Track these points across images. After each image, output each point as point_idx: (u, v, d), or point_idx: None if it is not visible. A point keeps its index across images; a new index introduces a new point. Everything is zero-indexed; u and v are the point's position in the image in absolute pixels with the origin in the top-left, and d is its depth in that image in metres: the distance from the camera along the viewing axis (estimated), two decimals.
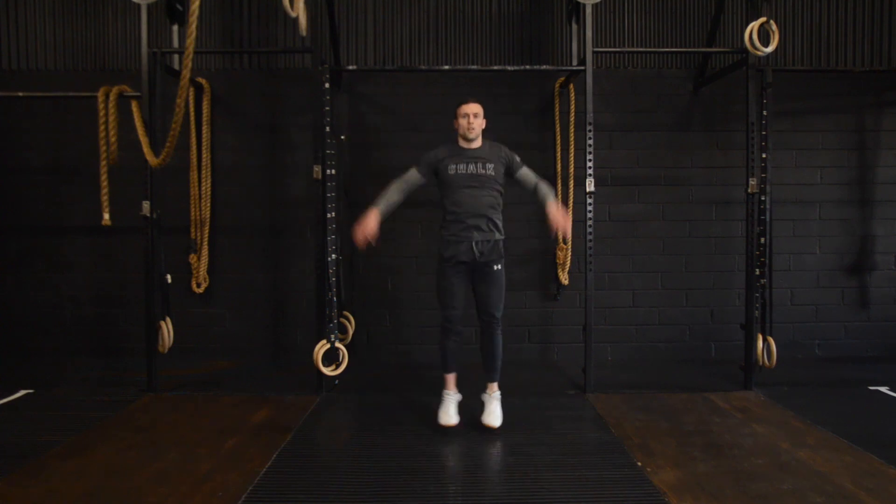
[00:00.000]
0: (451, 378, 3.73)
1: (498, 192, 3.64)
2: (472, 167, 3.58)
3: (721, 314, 5.38)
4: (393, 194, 3.70)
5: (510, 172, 3.70)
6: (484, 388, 3.73)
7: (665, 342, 5.40)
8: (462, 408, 4.00)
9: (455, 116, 3.67)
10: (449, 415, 3.61)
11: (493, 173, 3.60)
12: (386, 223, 5.23)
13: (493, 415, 3.60)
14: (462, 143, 3.66)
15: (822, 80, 5.32)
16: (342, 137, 5.09)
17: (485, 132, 3.76)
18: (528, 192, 3.77)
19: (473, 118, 3.60)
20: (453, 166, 3.59)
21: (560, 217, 3.55)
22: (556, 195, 5.19)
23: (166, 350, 4.53)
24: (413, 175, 3.71)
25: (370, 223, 3.56)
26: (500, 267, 3.62)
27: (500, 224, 3.63)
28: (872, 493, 2.77)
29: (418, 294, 5.30)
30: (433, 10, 5.33)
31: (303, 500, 2.76)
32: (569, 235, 3.66)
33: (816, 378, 4.75)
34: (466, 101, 3.63)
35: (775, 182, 5.00)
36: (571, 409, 4.03)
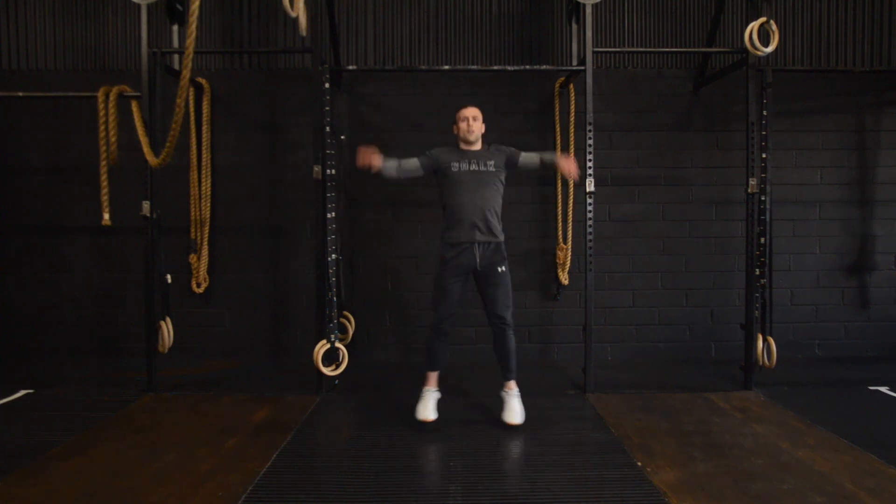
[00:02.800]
0: (433, 376, 3.76)
1: (499, 191, 3.67)
2: (474, 165, 3.63)
3: (721, 314, 5.38)
4: (392, 165, 3.75)
5: (512, 164, 3.74)
6: (501, 387, 3.75)
7: (665, 342, 5.40)
8: (463, 408, 4.01)
9: (455, 121, 3.73)
10: (428, 409, 3.64)
11: (493, 169, 3.65)
12: (386, 223, 5.31)
13: (514, 412, 3.63)
14: (462, 146, 3.71)
15: (822, 80, 5.32)
16: (342, 137, 5.09)
17: (484, 135, 3.78)
18: (536, 170, 3.80)
19: (473, 121, 3.65)
20: (456, 164, 3.64)
21: (568, 163, 3.69)
22: (556, 195, 5.23)
23: (166, 350, 4.53)
24: (413, 162, 3.75)
25: (375, 157, 3.66)
26: (503, 269, 3.64)
27: (499, 225, 3.66)
28: (872, 493, 2.77)
29: (418, 294, 5.30)
30: (433, 10, 5.33)
31: (303, 500, 2.76)
32: (575, 175, 3.72)
33: (816, 378, 4.74)
34: (465, 106, 3.71)
35: (775, 182, 5.00)
36: (571, 409, 4.03)
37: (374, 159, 3.65)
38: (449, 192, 3.65)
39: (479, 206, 3.57)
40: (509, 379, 3.73)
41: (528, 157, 3.78)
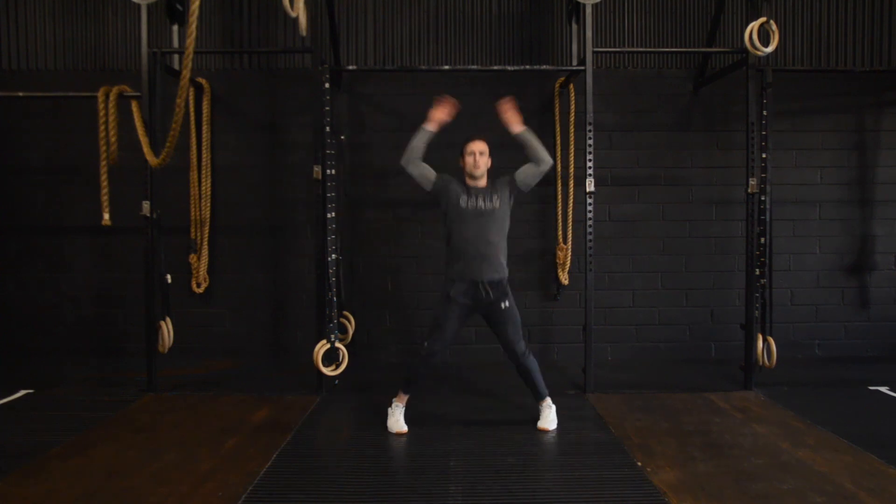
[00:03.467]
0: (405, 396, 3.72)
1: (505, 227, 3.62)
2: (480, 203, 3.56)
3: (721, 314, 5.38)
4: (419, 151, 3.64)
5: (517, 188, 3.65)
6: (538, 404, 3.76)
7: (665, 342, 5.40)
8: (463, 408, 4.01)
9: (461, 154, 3.62)
10: (400, 423, 3.63)
11: (499, 206, 3.58)
12: (386, 222, 5.30)
13: (547, 420, 3.66)
14: (469, 182, 3.62)
15: (822, 80, 5.32)
16: (342, 137, 5.09)
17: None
18: (535, 164, 3.63)
19: (479, 156, 3.56)
20: (465, 198, 3.57)
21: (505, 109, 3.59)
22: (556, 195, 5.23)
23: (166, 350, 4.53)
24: (430, 173, 3.64)
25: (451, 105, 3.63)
26: (507, 304, 3.60)
27: (504, 260, 3.62)
28: (872, 493, 2.77)
29: (418, 294, 5.30)
30: (433, 10, 5.33)
31: (303, 500, 2.76)
32: (511, 124, 3.60)
33: (816, 378, 4.75)
34: (472, 139, 3.59)
35: (775, 182, 5.00)
36: (571, 409, 4.02)
37: (448, 109, 3.60)
38: (455, 226, 3.58)
39: (485, 246, 3.52)
40: (542, 398, 3.72)
41: (524, 172, 3.66)
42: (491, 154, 3.65)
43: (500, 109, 3.63)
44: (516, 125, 3.61)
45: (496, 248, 3.56)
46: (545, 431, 3.61)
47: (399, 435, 3.57)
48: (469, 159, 3.58)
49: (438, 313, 3.63)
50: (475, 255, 3.52)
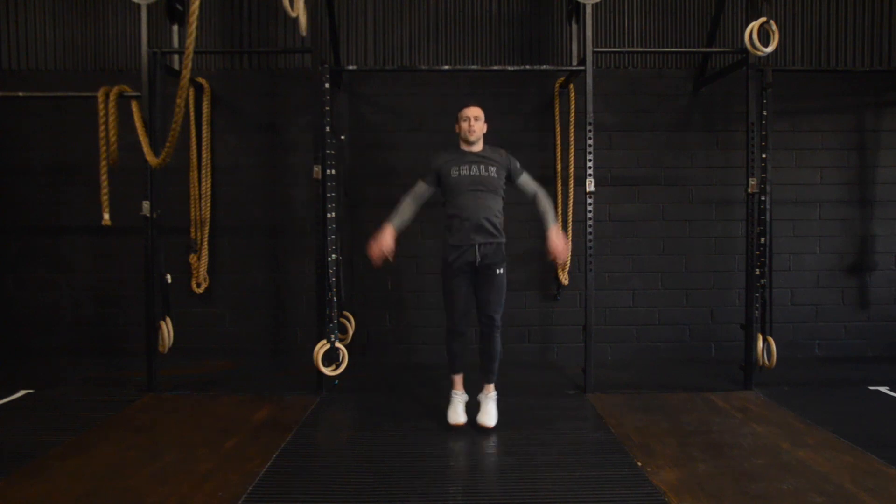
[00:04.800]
0: (457, 379, 3.77)
1: (500, 195, 3.66)
2: (474, 170, 3.59)
3: (721, 314, 5.38)
4: (405, 210, 3.72)
5: (510, 178, 3.71)
6: (480, 388, 3.75)
7: (665, 342, 5.40)
8: (464, 406, 4.01)
9: (456, 120, 3.69)
10: (458, 413, 3.66)
11: (495, 175, 3.61)
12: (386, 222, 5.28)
13: (489, 415, 3.63)
14: (463, 147, 3.68)
15: (822, 80, 5.32)
16: (342, 137, 5.09)
17: (486, 135, 3.77)
18: (527, 200, 3.76)
19: (474, 121, 3.61)
20: (456, 169, 3.60)
21: (560, 245, 3.58)
22: (556, 195, 5.23)
23: (166, 350, 4.53)
24: (421, 187, 3.72)
25: (386, 239, 3.57)
26: (501, 271, 3.63)
27: (501, 227, 3.64)
28: (872, 493, 2.77)
29: (419, 294, 5.30)
30: (433, 10, 5.33)
31: (303, 500, 2.76)
32: (564, 261, 3.68)
33: (816, 378, 4.74)
34: (467, 105, 3.66)
35: (775, 182, 5.00)
36: (571, 409, 4.03)
37: (386, 241, 3.57)
38: (450, 197, 3.63)
39: (481, 211, 3.54)
40: (490, 381, 3.72)
41: (526, 184, 3.71)
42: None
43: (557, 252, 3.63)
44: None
45: (491, 212, 3.57)
46: (486, 428, 3.57)
47: (456, 426, 3.59)
48: (464, 125, 3.62)
49: (444, 287, 3.68)
50: (471, 220, 3.54)
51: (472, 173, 3.58)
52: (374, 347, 5.36)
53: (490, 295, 3.62)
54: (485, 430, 3.58)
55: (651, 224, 5.37)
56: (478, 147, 3.67)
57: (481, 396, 3.72)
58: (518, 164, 3.73)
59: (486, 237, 3.57)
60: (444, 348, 3.80)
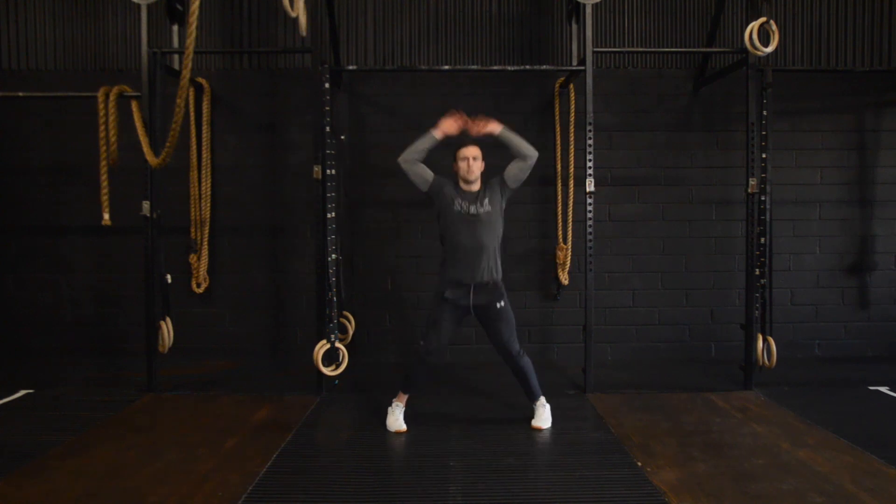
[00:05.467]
0: (404, 396, 3.73)
1: (498, 230, 3.60)
2: (473, 209, 3.55)
3: (721, 314, 5.38)
4: (419, 152, 3.59)
5: (509, 189, 3.64)
6: (532, 409, 3.76)
7: (665, 342, 5.40)
8: (463, 408, 4.01)
9: (454, 160, 3.61)
10: (399, 422, 3.65)
11: (491, 209, 3.56)
12: (386, 222, 5.30)
13: (542, 418, 3.69)
14: (462, 186, 3.61)
15: (822, 80, 5.32)
16: (342, 137, 5.09)
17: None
18: (520, 158, 3.60)
19: (473, 161, 3.55)
20: (457, 203, 3.55)
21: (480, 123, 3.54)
22: (556, 195, 5.23)
23: (166, 350, 4.53)
24: (428, 173, 3.61)
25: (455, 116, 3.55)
26: (502, 304, 3.61)
27: (499, 263, 3.61)
28: (872, 493, 2.77)
29: (419, 294, 5.30)
30: (433, 10, 5.33)
31: (303, 500, 2.76)
32: (490, 129, 3.54)
33: (816, 378, 4.74)
34: (466, 145, 3.57)
35: (775, 182, 5.00)
36: (571, 409, 4.03)
37: (459, 124, 3.51)
38: (449, 230, 3.58)
39: (478, 250, 3.51)
40: (535, 399, 3.74)
41: (511, 169, 3.61)
42: (487, 154, 3.64)
43: (474, 130, 3.56)
44: (494, 127, 3.56)
45: (489, 251, 3.54)
46: (539, 430, 3.63)
47: (398, 434, 3.58)
48: (462, 164, 3.55)
49: (433, 314, 3.64)
50: (469, 259, 3.51)
51: (472, 212, 3.54)
52: (375, 347, 5.36)
53: (500, 327, 3.60)
54: (537, 430, 3.63)
55: (651, 224, 5.37)
56: (476, 186, 3.61)
57: (535, 406, 3.74)
58: (500, 176, 3.63)
59: (484, 275, 3.53)
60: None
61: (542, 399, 3.74)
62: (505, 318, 3.61)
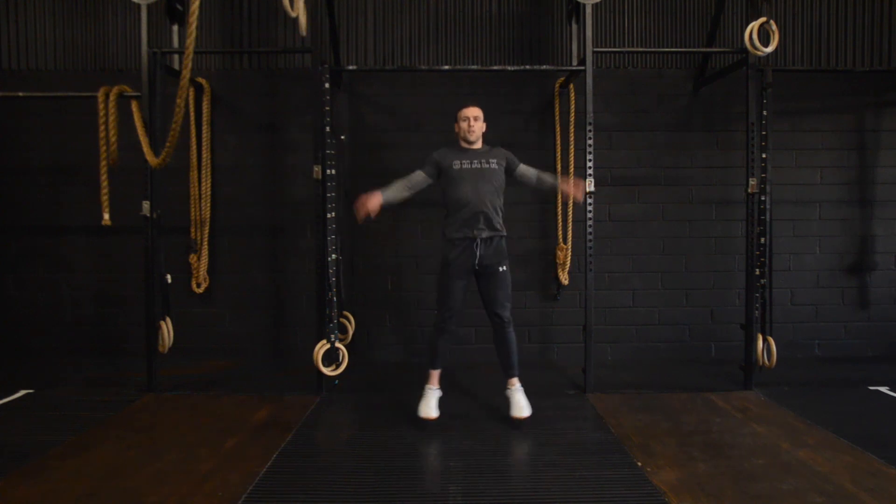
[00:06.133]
0: (434, 374, 3.77)
1: (501, 187, 3.70)
2: (476, 164, 3.65)
3: (721, 314, 5.38)
4: (397, 189, 3.74)
5: (510, 171, 3.77)
6: (505, 385, 3.76)
7: (665, 342, 5.40)
8: (463, 407, 4.01)
9: (456, 120, 3.74)
10: (430, 408, 3.66)
11: (496, 167, 3.68)
12: (386, 223, 5.31)
13: (519, 406, 3.65)
14: (463, 146, 3.74)
15: (822, 80, 5.32)
16: (342, 137, 5.09)
17: (485, 134, 3.81)
18: (531, 187, 3.87)
19: (474, 121, 3.68)
20: (458, 162, 3.66)
21: (570, 185, 3.78)
22: (556, 195, 5.23)
23: (166, 350, 4.53)
24: (418, 175, 3.76)
25: (374, 199, 3.62)
26: (504, 268, 3.67)
27: (501, 219, 3.68)
28: (872, 493, 2.77)
29: (418, 294, 5.30)
30: (433, 10, 5.33)
31: (303, 500, 2.76)
32: (580, 197, 3.79)
33: (816, 378, 4.74)
34: (467, 105, 3.71)
35: (775, 182, 5.00)
36: (571, 409, 4.03)
37: (373, 202, 3.61)
38: (451, 188, 3.66)
39: (481, 201, 3.58)
40: (512, 376, 3.74)
41: (526, 171, 3.80)
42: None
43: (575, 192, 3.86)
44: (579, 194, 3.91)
45: (492, 204, 3.61)
46: (520, 420, 3.60)
47: (426, 420, 3.59)
48: (463, 124, 3.67)
49: (441, 281, 3.68)
50: (470, 211, 3.58)
51: (473, 166, 3.64)
52: (375, 347, 5.36)
53: (496, 292, 3.65)
54: (519, 420, 3.61)
55: (651, 224, 5.37)
56: (477, 146, 3.75)
57: (508, 392, 3.73)
58: (515, 157, 3.80)
59: (488, 229, 3.59)
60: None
61: (517, 381, 3.72)
62: (504, 282, 3.66)
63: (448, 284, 3.65)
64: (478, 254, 3.58)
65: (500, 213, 3.68)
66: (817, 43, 5.39)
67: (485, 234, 3.59)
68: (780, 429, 3.60)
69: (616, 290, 5.36)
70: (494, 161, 3.67)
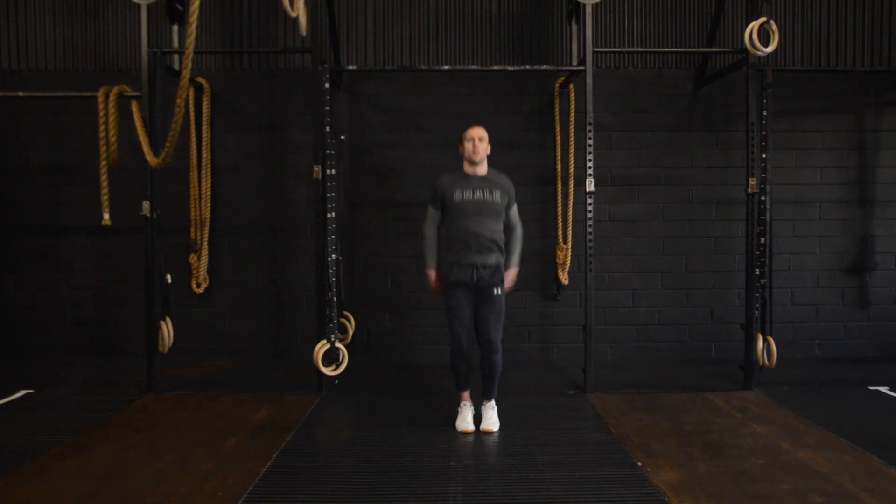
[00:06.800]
0: (465, 394, 3.76)
1: (501, 220, 3.65)
2: (478, 194, 3.58)
3: (721, 314, 5.38)
4: (431, 240, 3.75)
5: (506, 208, 3.70)
6: (482, 401, 3.74)
7: (665, 342, 5.40)
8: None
9: (460, 140, 3.66)
10: (466, 422, 3.65)
11: (498, 200, 3.61)
12: (386, 223, 5.31)
13: (490, 421, 3.65)
14: (467, 169, 3.65)
15: (822, 80, 5.32)
16: (342, 137, 5.09)
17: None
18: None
19: (479, 142, 3.59)
20: (458, 192, 3.59)
21: (509, 285, 3.74)
22: (556, 195, 5.24)
23: (166, 350, 4.53)
24: (432, 214, 3.75)
25: (434, 279, 3.76)
26: (499, 292, 3.62)
27: (501, 247, 3.64)
28: (872, 493, 2.77)
29: (418, 294, 5.30)
30: (433, 10, 5.33)
31: (303, 500, 2.76)
32: (508, 290, 3.79)
33: (816, 378, 4.74)
34: (471, 126, 3.64)
35: (775, 182, 5.00)
36: (571, 409, 4.03)
37: (435, 281, 3.76)
38: (451, 218, 3.62)
39: (482, 234, 3.54)
40: (490, 398, 3.73)
41: (513, 217, 3.73)
42: (491, 154, 3.68)
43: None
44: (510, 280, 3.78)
45: (493, 234, 3.58)
46: (489, 433, 3.59)
47: (465, 434, 3.58)
48: (468, 145, 3.60)
49: (447, 303, 3.66)
50: (472, 243, 3.55)
51: (475, 197, 3.58)
52: (374, 347, 5.36)
53: (489, 315, 3.60)
54: (487, 433, 3.60)
55: (651, 224, 5.37)
56: (482, 169, 3.65)
57: (482, 407, 3.73)
58: (514, 194, 3.73)
59: (487, 256, 3.56)
60: (445, 348, 3.81)
61: (493, 402, 3.72)
62: (497, 306, 3.62)
63: (454, 306, 3.61)
64: (475, 276, 3.56)
65: (501, 243, 3.64)
66: (817, 43, 5.39)
67: (483, 262, 3.56)
68: (780, 429, 3.60)
69: (616, 290, 5.36)
70: (497, 193, 3.60)
